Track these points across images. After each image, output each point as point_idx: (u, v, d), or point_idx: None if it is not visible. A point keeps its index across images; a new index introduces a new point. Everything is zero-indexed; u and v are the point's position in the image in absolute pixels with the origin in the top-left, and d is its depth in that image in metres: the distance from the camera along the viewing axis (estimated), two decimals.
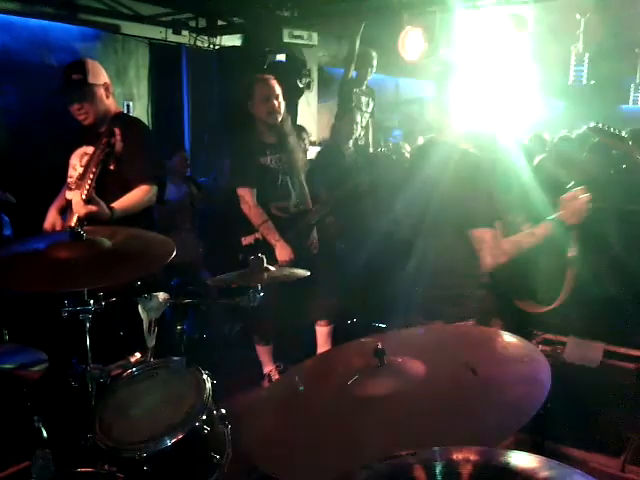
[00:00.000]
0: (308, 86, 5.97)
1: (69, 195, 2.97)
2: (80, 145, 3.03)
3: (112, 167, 2.77)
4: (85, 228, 2.03)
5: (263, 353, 3.79)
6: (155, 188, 2.99)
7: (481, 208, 2.41)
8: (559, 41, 7.36)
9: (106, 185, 2.83)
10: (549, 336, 3.11)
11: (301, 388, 1.47)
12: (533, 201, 2.51)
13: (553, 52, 7.21)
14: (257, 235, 3.52)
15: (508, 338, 1.48)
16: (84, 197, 2.69)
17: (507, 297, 2.61)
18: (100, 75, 2.99)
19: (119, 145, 2.74)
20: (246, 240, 3.57)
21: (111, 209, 2.78)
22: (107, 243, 2.04)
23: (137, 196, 2.92)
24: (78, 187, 2.81)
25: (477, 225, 2.41)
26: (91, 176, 2.72)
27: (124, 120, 3.09)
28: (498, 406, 1.21)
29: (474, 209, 2.41)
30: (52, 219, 3.04)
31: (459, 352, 1.44)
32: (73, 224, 2.63)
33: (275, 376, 3.71)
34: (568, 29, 7.35)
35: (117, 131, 2.74)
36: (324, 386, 1.46)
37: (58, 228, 2.97)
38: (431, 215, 2.53)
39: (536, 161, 3.95)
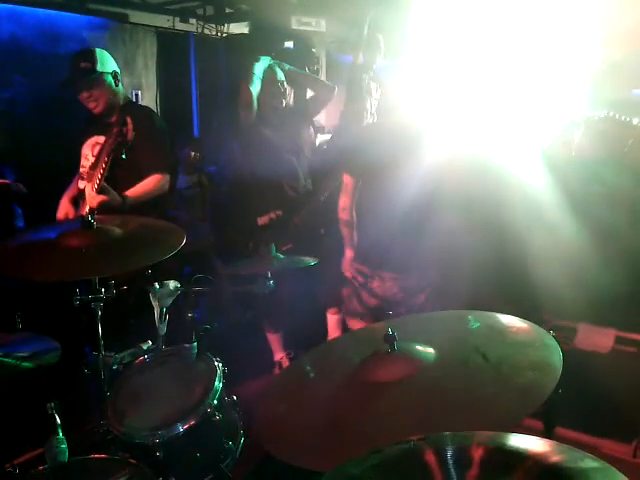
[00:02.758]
0: (317, 73, 5.94)
1: (82, 185, 2.99)
2: (91, 135, 3.04)
3: (124, 156, 2.78)
4: (96, 217, 2.05)
5: (274, 340, 3.80)
6: (167, 177, 3.00)
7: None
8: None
9: (118, 174, 2.84)
10: (560, 322, 3.10)
11: (312, 375, 1.47)
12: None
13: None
14: (272, 215, 3.53)
15: (519, 324, 1.47)
16: (96, 187, 2.70)
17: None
18: (108, 64, 2.99)
19: (130, 134, 2.74)
20: (262, 220, 3.57)
21: (123, 197, 2.79)
22: (118, 231, 2.05)
23: (149, 185, 2.93)
24: (90, 177, 2.82)
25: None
26: (103, 165, 2.73)
27: (135, 109, 3.09)
28: (509, 391, 1.21)
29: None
30: (65, 209, 3.05)
31: (470, 337, 1.43)
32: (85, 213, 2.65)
33: (286, 363, 3.72)
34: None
35: (129, 120, 2.74)
36: (334, 372, 1.46)
37: (71, 217, 2.99)
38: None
39: (545, 146, 3.91)
